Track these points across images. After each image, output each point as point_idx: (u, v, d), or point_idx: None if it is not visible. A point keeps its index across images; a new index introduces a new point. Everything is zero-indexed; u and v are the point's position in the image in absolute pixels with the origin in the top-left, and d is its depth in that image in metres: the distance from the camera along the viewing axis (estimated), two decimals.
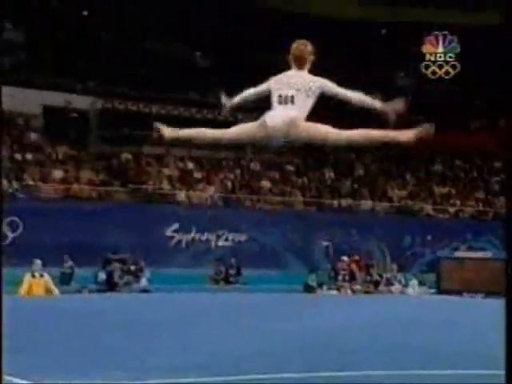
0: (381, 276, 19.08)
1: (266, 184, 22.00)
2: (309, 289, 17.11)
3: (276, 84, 4.07)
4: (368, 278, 18.84)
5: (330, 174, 21.63)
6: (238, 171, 22.48)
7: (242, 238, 20.16)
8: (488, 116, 24.37)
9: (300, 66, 4.07)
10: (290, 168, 23.08)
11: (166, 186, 20.81)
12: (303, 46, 4.11)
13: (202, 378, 3.49)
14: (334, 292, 17.19)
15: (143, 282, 17.02)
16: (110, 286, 16.57)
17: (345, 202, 21.40)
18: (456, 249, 20.46)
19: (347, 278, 17.40)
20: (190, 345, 4.89)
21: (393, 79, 25.29)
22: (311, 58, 4.11)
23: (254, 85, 4.16)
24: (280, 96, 3.96)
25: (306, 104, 3.95)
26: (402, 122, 4.03)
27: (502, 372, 3.57)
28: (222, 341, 5.23)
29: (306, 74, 4.10)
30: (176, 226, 19.60)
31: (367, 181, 22.64)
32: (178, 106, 22.60)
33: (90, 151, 21.35)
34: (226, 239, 19.99)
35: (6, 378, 2.95)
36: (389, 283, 18.72)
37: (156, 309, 9.72)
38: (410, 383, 3.50)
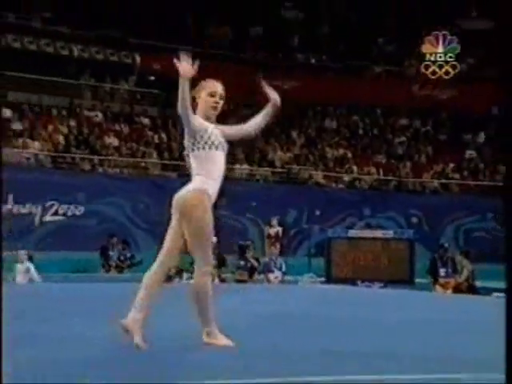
0: (258, 260, 18.79)
1: (111, 141, 21.03)
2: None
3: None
4: (241, 262, 18.45)
5: None
6: (72, 123, 21.11)
7: (78, 211, 19.32)
8: (393, 61, 24.91)
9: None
10: (144, 121, 22.16)
11: None
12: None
13: None
14: None
15: None
16: None
17: None
18: (351, 227, 20.60)
19: (215, 262, 16.08)
20: None
21: None
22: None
23: None
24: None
25: None
26: None
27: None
28: None
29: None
30: None
31: (243, 140, 21.25)
32: None
33: None
34: (56, 213, 19.05)
35: None
36: (267, 270, 18.32)
37: None
38: None
